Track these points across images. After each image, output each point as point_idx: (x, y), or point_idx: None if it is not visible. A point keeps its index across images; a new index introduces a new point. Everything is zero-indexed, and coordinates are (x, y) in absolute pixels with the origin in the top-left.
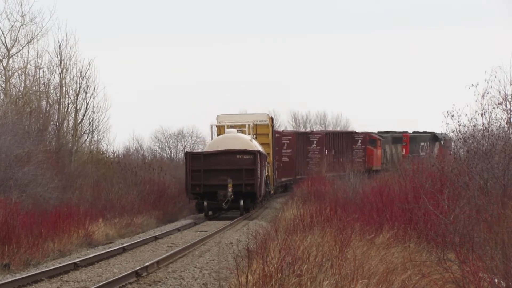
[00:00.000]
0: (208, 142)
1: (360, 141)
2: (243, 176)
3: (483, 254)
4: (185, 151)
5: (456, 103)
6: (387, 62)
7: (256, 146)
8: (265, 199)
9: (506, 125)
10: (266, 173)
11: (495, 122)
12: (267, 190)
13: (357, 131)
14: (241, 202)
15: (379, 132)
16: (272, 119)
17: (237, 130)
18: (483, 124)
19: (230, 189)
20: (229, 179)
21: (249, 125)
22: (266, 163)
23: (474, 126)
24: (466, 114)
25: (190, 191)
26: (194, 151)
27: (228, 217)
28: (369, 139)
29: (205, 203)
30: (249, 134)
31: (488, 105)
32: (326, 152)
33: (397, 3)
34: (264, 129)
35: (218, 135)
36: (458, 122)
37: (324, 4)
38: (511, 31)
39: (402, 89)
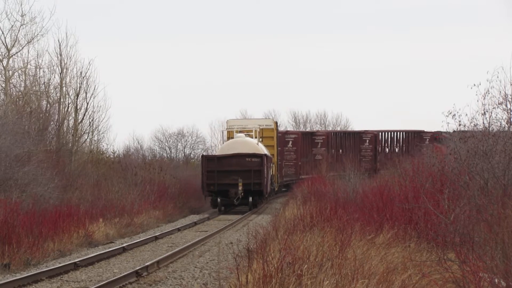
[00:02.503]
0: (220, 145)
1: (427, 139)
2: (251, 176)
3: (483, 254)
4: (202, 154)
5: (457, 103)
6: (387, 62)
7: (262, 149)
8: (270, 195)
9: (506, 125)
10: (271, 173)
11: (496, 122)
12: (271, 188)
13: (425, 130)
14: (250, 199)
15: (453, 131)
16: (276, 123)
17: (245, 134)
18: (484, 124)
19: (240, 188)
20: (239, 178)
21: (255, 130)
22: (271, 164)
23: (475, 126)
24: (466, 114)
25: (206, 189)
26: (209, 154)
27: (239, 212)
28: (438, 137)
29: (219, 200)
30: (255, 137)
31: (489, 105)
32: (387, 150)
33: (397, 3)
34: (269, 132)
35: (228, 137)
36: (458, 122)
37: (324, 4)
38: (511, 31)
39: (402, 89)
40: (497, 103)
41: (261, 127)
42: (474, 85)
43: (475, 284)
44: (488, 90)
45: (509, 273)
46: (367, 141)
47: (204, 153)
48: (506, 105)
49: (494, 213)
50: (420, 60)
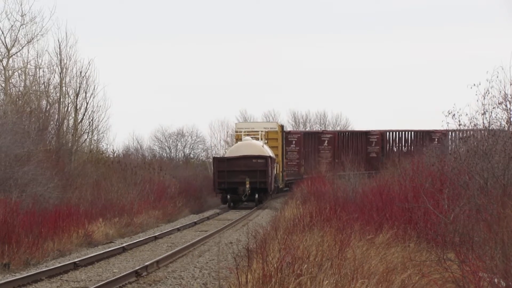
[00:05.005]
0: (229, 148)
1: None
2: (257, 175)
3: (483, 254)
4: (213, 156)
5: (457, 102)
6: (388, 62)
7: (267, 151)
8: (275, 192)
9: (506, 125)
10: (275, 172)
11: (495, 122)
12: (275, 186)
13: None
14: (256, 196)
15: None
16: (282, 126)
17: (251, 137)
18: (484, 124)
19: (247, 186)
20: (247, 177)
21: (261, 133)
22: (275, 164)
23: (475, 125)
24: (466, 114)
25: (217, 187)
26: (220, 156)
27: (246, 207)
28: None
29: (228, 196)
30: (261, 139)
31: (489, 105)
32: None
33: (397, 3)
34: (274, 134)
35: (236, 139)
36: (458, 121)
37: (323, 4)
38: (511, 31)
39: (402, 89)
40: (497, 103)
41: (266, 130)
42: (474, 85)
43: (474, 284)
44: (488, 90)
45: (509, 273)
46: (436, 139)
47: (204, 153)
48: (506, 105)
49: (494, 212)
50: (420, 60)
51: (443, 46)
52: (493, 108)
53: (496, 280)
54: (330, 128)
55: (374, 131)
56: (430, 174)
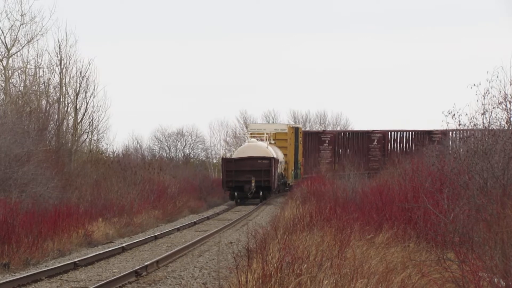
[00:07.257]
0: (236, 149)
1: None
2: (262, 175)
3: (482, 254)
4: (222, 157)
5: (457, 102)
6: (387, 62)
7: (271, 152)
8: (281, 189)
9: (506, 125)
10: (279, 171)
11: (495, 122)
12: (278, 183)
13: None
14: (261, 193)
15: None
16: (296, 128)
17: (258, 139)
18: (483, 123)
19: (253, 184)
20: (252, 177)
21: (266, 135)
22: (279, 164)
23: (475, 125)
24: (466, 114)
25: (225, 185)
26: (228, 157)
27: (252, 203)
28: None
29: (236, 194)
30: (266, 141)
31: (489, 104)
32: None
33: (397, 3)
34: (283, 135)
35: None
36: (458, 121)
37: (323, 3)
38: (511, 31)
39: (402, 89)
40: (497, 103)
41: (276, 131)
42: (474, 85)
43: (474, 284)
44: (488, 90)
45: (508, 273)
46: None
47: (203, 153)
48: (506, 105)
49: (494, 212)
50: (420, 60)
51: (443, 46)
52: (493, 108)
53: (496, 280)
54: (330, 128)
55: (436, 130)
56: (430, 174)
